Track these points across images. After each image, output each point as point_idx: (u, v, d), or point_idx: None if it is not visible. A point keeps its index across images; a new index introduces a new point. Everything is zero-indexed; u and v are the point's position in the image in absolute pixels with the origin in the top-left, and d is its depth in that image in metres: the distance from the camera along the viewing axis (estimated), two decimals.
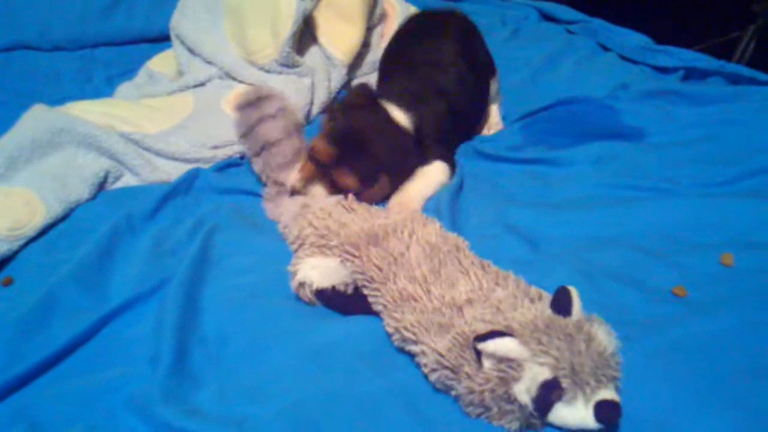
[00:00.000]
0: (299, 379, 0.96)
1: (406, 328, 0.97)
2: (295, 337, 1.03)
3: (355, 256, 1.09)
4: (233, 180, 1.48)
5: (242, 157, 1.58)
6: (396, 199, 1.37)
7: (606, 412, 0.83)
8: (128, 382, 0.97)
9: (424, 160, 1.43)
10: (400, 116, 1.40)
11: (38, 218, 1.30)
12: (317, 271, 1.11)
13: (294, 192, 1.34)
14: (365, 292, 1.07)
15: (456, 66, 1.56)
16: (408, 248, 1.07)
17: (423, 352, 0.94)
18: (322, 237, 1.14)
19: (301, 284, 1.11)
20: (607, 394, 0.84)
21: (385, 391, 0.93)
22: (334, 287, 1.11)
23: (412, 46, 1.64)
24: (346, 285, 1.11)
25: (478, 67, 1.64)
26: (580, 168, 1.44)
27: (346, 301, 1.11)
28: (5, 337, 1.04)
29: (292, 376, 0.97)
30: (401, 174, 1.40)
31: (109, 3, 2.12)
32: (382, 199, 1.39)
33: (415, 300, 1.00)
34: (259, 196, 1.42)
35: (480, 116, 1.70)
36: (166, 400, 0.91)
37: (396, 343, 1.00)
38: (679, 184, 1.35)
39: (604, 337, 0.88)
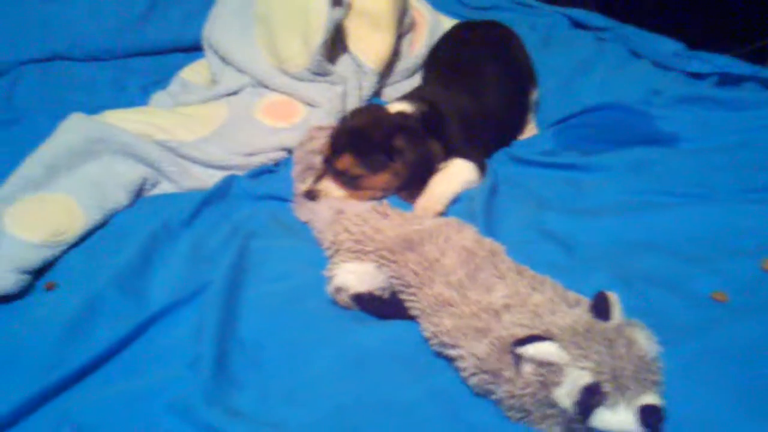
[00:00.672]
0: (338, 383, 0.97)
1: (443, 333, 0.97)
2: (332, 341, 1.04)
3: (391, 261, 1.10)
4: (268, 186, 1.49)
5: (276, 164, 1.60)
6: (420, 203, 1.38)
7: (649, 416, 0.82)
8: (169, 385, 0.98)
9: (446, 157, 1.45)
10: (400, 107, 1.44)
11: (78, 224, 1.32)
12: (354, 276, 1.12)
13: (309, 194, 1.37)
14: (402, 297, 1.08)
15: (492, 72, 1.58)
16: (444, 253, 1.08)
17: (461, 357, 0.94)
18: (358, 242, 1.15)
19: (338, 289, 1.12)
20: (650, 398, 0.83)
21: (424, 395, 0.94)
22: (370, 292, 1.11)
23: (453, 54, 1.65)
24: (383, 290, 1.12)
25: (518, 76, 1.65)
26: (614, 173, 1.44)
27: (382, 306, 1.11)
28: (49, 340, 1.06)
29: (331, 380, 0.98)
30: (410, 159, 1.39)
31: (142, 14, 2.14)
32: (402, 191, 1.42)
33: (452, 305, 1.00)
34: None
35: (519, 123, 1.71)
36: (208, 403, 0.92)
37: (434, 347, 1.00)
38: (715, 189, 1.34)
39: (645, 341, 0.88)
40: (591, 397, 0.83)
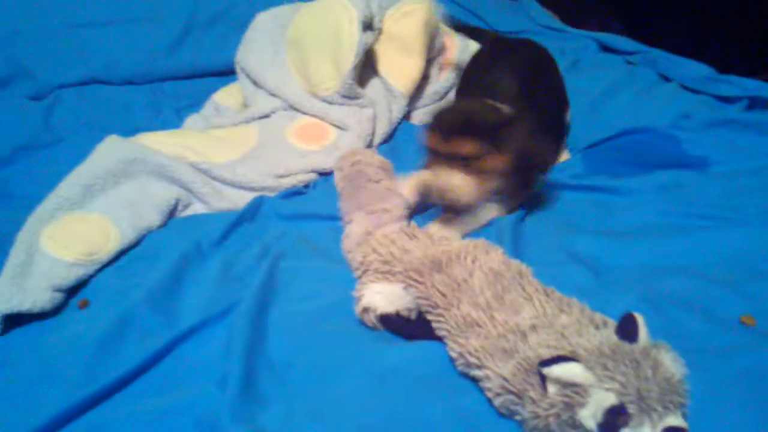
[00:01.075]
0: (363, 402, 0.97)
1: (470, 353, 0.98)
2: (359, 361, 1.05)
3: (419, 282, 1.10)
4: (298, 207, 1.51)
5: (306, 186, 1.62)
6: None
7: None
8: (197, 402, 0.99)
9: None
10: None
11: (112, 244, 1.35)
12: (381, 296, 1.12)
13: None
14: (429, 317, 1.08)
15: (531, 94, 1.54)
16: (471, 274, 1.08)
17: (487, 377, 0.94)
18: (385, 263, 1.16)
19: (366, 309, 1.13)
20: (675, 420, 0.82)
21: (449, 415, 0.94)
22: (398, 312, 1.12)
23: (488, 74, 1.64)
24: (410, 310, 1.12)
25: (555, 97, 1.65)
26: (643, 196, 1.43)
27: (409, 326, 1.12)
28: (81, 357, 1.07)
29: (356, 399, 0.98)
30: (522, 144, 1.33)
31: (176, 39, 2.19)
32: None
33: (479, 326, 1.00)
34: (324, 220, 1.45)
35: (557, 147, 1.67)
36: (235, 420, 0.93)
37: (460, 368, 1.00)
38: (745, 213, 1.33)
39: (671, 363, 0.87)
40: (616, 419, 0.82)
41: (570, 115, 1.76)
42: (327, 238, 1.40)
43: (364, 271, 1.19)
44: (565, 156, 1.70)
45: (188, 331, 1.13)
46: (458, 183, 1.32)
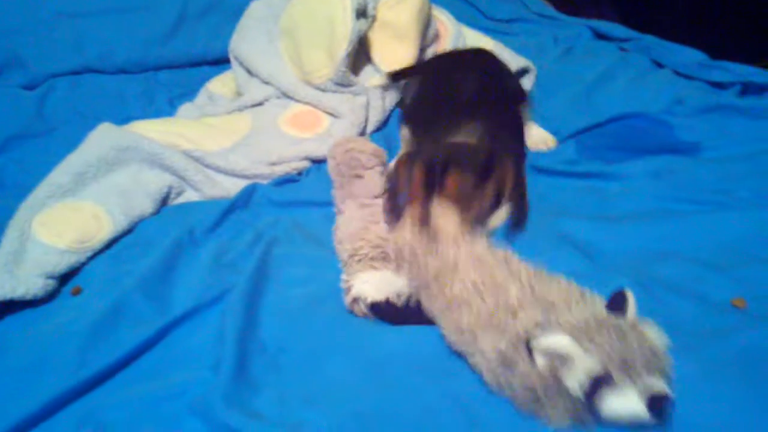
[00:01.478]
0: (356, 387, 0.98)
1: (461, 331, 0.99)
2: (351, 346, 1.05)
3: (412, 260, 1.11)
4: (291, 194, 1.51)
5: (299, 174, 1.62)
6: None
7: (658, 403, 0.84)
8: (191, 387, 0.99)
9: None
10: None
11: (105, 231, 1.35)
12: (370, 284, 1.13)
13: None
14: (421, 297, 1.09)
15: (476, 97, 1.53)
16: (461, 258, 1.09)
17: (478, 352, 0.96)
18: (377, 247, 1.16)
19: (356, 299, 1.13)
20: (658, 387, 0.85)
21: (441, 400, 0.94)
22: (387, 299, 1.12)
23: (442, 76, 1.64)
24: (399, 296, 1.12)
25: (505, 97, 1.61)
26: (636, 182, 1.43)
27: (399, 313, 1.12)
28: (74, 344, 1.07)
29: (350, 384, 0.99)
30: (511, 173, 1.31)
31: (170, 28, 2.18)
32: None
33: (470, 304, 1.01)
34: (316, 207, 1.46)
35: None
36: (228, 404, 0.93)
37: (451, 345, 1.02)
38: (737, 197, 1.33)
39: (656, 337, 0.90)
40: (601, 386, 0.85)
41: (529, 108, 1.73)
42: (320, 224, 1.40)
43: (357, 261, 1.19)
44: (551, 142, 1.69)
45: (181, 317, 1.13)
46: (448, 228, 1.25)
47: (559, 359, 0.88)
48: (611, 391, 0.85)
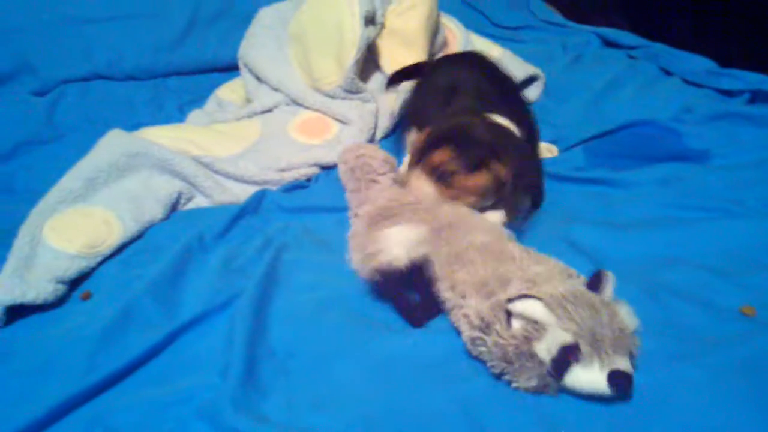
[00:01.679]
0: (365, 391, 0.98)
1: (454, 286, 1.06)
2: (360, 351, 1.05)
3: (431, 207, 1.16)
4: (300, 200, 1.51)
5: (308, 180, 1.63)
6: None
7: (619, 380, 0.89)
8: (199, 392, 0.99)
9: None
10: (502, 120, 1.36)
11: (115, 236, 1.35)
12: (401, 246, 1.12)
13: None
14: (432, 246, 1.11)
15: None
16: (475, 218, 1.19)
17: (465, 305, 1.02)
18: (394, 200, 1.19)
19: (385, 262, 1.11)
20: (623, 364, 0.90)
21: (451, 404, 0.94)
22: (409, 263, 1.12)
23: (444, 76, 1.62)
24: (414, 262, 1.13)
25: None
26: (644, 189, 1.44)
27: (403, 280, 1.13)
28: (84, 348, 1.08)
29: (358, 388, 0.99)
30: (515, 167, 1.27)
31: (179, 34, 2.20)
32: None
33: (470, 264, 1.07)
34: (326, 213, 1.46)
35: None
36: (236, 409, 0.94)
37: (444, 293, 1.07)
38: (745, 205, 1.33)
39: (627, 317, 0.95)
40: (569, 356, 0.90)
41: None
42: (330, 230, 1.40)
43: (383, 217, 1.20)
44: (555, 151, 1.69)
45: (190, 322, 1.13)
46: (424, 190, 1.29)
47: (533, 326, 0.93)
48: (577, 362, 0.90)
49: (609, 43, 2.27)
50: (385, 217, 1.16)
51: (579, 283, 1.01)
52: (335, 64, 1.78)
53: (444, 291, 1.08)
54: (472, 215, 1.18)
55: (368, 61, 1.87)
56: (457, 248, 1.09)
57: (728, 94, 1.80)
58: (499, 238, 1.14)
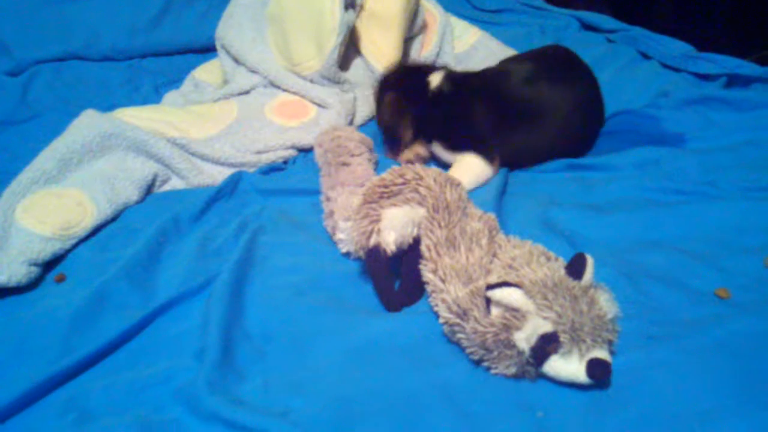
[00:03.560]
0: (341, 374, 0.98)
1: (436, 270, 1.05)
2: (337, 333, 1.05)
3: (430, 188, 1.13)
4: (277, 183, 1.50)
5: (285, 162, 1.62)
6: None
7: (597, 369, 0.89)
8: (175, 374, 0.99)
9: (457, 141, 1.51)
10: (436, 75, 1.57)
11: (89, 218, 1.34)
12: (394, 229, 1.11)
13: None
14: (422, 228, 1.11)
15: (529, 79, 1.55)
16: (472, 207, 1.18)
17: (444, 290, 1.02)
18: (400, 176, 1.17)
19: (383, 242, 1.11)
20: (601, 353, 0.90)
21: (426, 387, 0.94)
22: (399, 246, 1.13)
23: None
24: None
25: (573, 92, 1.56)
26: (621, 172, 1.44)
27: (394, 261, 1.13)
28: (58, 331, 1.07)
29: (335, 371, 0.99)
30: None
31: (156, 15, 2.18)
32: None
33: (457, 250, 1.06)
34: (303, 196, 1.45)
35: (575, 139, 1.57)
36: (213, 391, 0.93)
37: (427, 274, 1.07)
38: (721, 187, 1.34)
39: (606, 303, 0.95)
40: (547, 345, 0.90)
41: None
42: (306, 212, 1.39)
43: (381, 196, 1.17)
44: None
45: (166, 304, 1.13)
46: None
47: (512, 313, 0.92)
48: (556, 350, 0.90)
49: (588, 27, 2.26)
50: (381, 195, 1.14)
51: (558, 266, 1.01)
52: (315, 49, 1.76)
53: (427, 272, 1.07)
54: (470, 202, 1.18)
55: (348, 45, 1.85)
56: (448, 232, 1.08)
57: (705, 78, 1.80)
58: (491, 227, 1.13)
